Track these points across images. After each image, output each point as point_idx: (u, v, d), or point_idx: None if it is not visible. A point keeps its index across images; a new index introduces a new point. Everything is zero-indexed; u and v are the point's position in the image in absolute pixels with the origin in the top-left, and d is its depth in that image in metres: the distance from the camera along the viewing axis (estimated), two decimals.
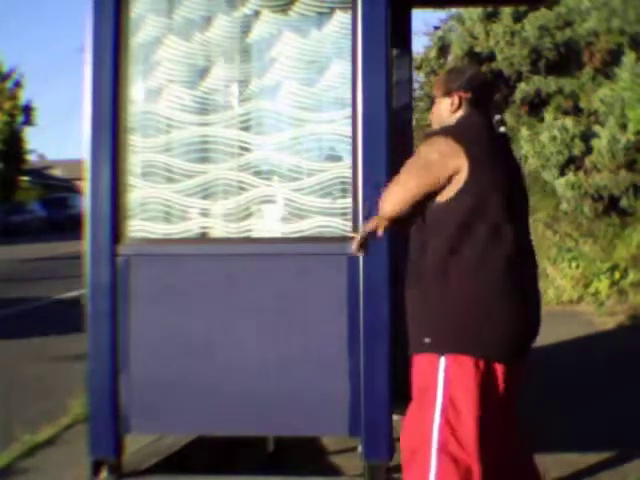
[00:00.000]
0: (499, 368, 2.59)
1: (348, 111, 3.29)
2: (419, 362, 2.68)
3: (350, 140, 3.27)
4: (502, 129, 3.23)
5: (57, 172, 51.02)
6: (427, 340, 2.61)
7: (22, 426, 4.68)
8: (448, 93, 2.79)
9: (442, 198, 2.61)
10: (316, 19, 3.41)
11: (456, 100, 2.77)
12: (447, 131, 2.68)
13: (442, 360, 2.58)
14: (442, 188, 2.61)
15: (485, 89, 2.87)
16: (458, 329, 2.57)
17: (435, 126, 2.84)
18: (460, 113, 2.77)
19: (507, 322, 2.58)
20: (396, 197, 2.68)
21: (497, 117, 3.05)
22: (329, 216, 3.32)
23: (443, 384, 2.57)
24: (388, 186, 2.75)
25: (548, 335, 4.53)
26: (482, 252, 2.56)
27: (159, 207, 3.43)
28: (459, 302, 2.56)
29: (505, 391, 2.61)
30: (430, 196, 2.63)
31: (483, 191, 2.58)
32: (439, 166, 2.60)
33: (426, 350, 2.62)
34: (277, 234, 3.39)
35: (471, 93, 2.78)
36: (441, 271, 2.58)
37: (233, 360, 3.30)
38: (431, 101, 2.92)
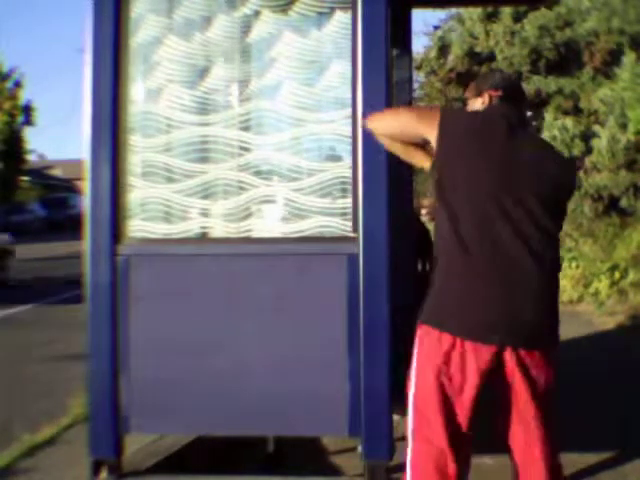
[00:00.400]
0: (469, 347, 2.56)
1: (348, 111, 3.29)
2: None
3: (350, 140, 3.27)
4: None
5: (57, 172, 51.01)
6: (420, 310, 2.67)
7: (22, 426, 4.68)
8: (479, 93, 2.85)
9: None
10: (316, 19, 3.41)
11: (487, 99, 2.82)
12: (449, 107, 2.80)
13: (420, 328, 2.64)
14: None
15: (515, 87, 2.92)
16: (431, 303, 2.63)
17: None
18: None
19: (469, 301, 2.57)
20: (382, 117, 2.82)
21: (529, 114, 3.09)
22: (329, 216, 3.32)
23: (416, 352, 2.64)
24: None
25: None
26: (443, 232, 2.61)
27: (159, 207, 3.43)
28: (434, 279, 2.64)
29: (480, 375, 2.58)
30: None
31: (448, 173, 2.60)
32: (421, 120, 2.67)
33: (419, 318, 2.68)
34: (277, 234, 3.39)
35: (502, 91, 2.82)
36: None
37: (233, 360, 3.30)
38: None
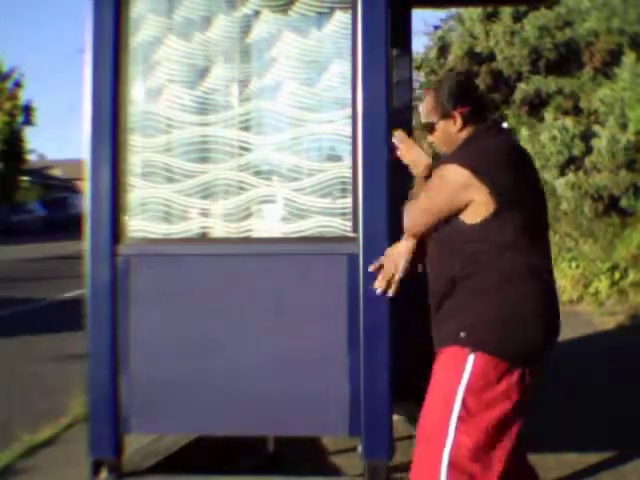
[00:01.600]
0: (518, 372, 2.59)
1: (348, 111, 3.29)
2: (446, 354, 2.68)
3: (350, 140, 3.27)
4: (504, 125, 3.24)
5: (57, 172, 51.03)
6: (462, 334, 2.62)
7: (22, 426, 4.68)
8: (447, 115, 2.76)
9: (472, 220, 2.64)
10: (316, 19, 3.41)
11: (459, 121, 2.75)
12: (464, 160, 2.66)
13: (471, 356, 2.59)
14: (460, 211, 2.66)
15: (476, 92, 2.88)
16: (490, 330, 2.61)
17: (446, 149, 2.82)
18: (466, 131, 2.75)
19: (533, 328, 2.61)
20: (416, 220, 2.77)
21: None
22: (329, 216, 3.32)
23: (467, 379, 2.58)
24: (408, 205, 2.81)
25: None
26: (509, 266, 2.63)
27: (159, 207, 3.43)
28: (495, 307, 2.63)
29: (523, 397, 2.61)
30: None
31: (508, 217, 2.62)
32: (459, 195, 2.63)
33: (458, 343, 2.63)
34: (277, 234, 3.39)
35: (469, 106, 2.75)
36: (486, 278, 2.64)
37: (233, 360, 3.30)
38: (427, 127, 2.83)
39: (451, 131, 2.76)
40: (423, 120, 2.85)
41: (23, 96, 34.94)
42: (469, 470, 2.54)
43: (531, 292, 2.63)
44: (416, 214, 2.78)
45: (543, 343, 2.64)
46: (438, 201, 2.69)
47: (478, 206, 2.61)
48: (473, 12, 14.31)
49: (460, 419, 2.55)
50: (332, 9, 3.37)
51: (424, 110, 2.83)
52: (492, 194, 2.59)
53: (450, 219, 2.67)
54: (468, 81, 3.06)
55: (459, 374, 2.59)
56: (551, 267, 2.77)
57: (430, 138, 2.86)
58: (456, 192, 2.62)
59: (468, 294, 2.65)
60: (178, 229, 3.42)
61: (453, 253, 2.68)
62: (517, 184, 2.65)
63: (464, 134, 2.75)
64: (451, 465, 2.54)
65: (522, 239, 2.64)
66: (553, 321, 2.67)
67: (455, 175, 2.63)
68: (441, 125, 2.78)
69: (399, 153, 2.96)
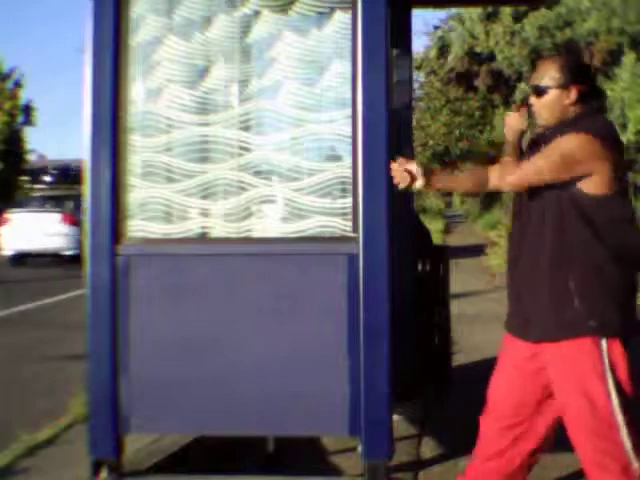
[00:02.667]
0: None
1: (348, 111, 3.29)
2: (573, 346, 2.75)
3: (350, 140, 3.27)
4: None
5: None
6: (592, 323, 2.70)
7: (22, 426, 4.68)
8: (565, 85, 2.80)
9: (594, 191, 2.72)
10: (316, 19, 3.41)
11: (574, 94, 2.81)
12: (592, 130, 2.74)
13: (604, 343, 2.71)
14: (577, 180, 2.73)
15: (594, 76, 2.97)
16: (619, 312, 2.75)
17: (549, 119, 2.86)
18: (579, 107, 2.82)
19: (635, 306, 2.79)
20: (526, 176, 2.79)
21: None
22: (329, 216, 3.32)
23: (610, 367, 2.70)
24: (520, 163, 2.85)
25: None
26: (623, 243, 2.75)
27: (159, 207, 3.43)
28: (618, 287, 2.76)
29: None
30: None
31: (622, 189, 2.77)
32: (581, 165, 2.70)
33: (590, 333, 2.71)
34: (277, 234, 3.39)
35: (587, 86, 2.83)
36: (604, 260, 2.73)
37: (233, 360, 3.30)
38: (538, 90, 2.85)
39: (563, 103, 2.81)
40: (536, 82, 2.87)
41: (23, 96, 34.91)
42: None
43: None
44: (529, 170, 2.79)
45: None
46: (559, 164, 2.73)
47: (600, 178, 2.70)
48: (473, 12, 14.33)
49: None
50: (332, 9, 3.37)
51: (541, 73, 2.86)
52: (616, 170, 2.70)
53: (566, 187, 2.73)
54: (589, 65, 3.18)
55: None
56: None
57: (533, 100, 2.88)
58: (582, 159, 2.69)
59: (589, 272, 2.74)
60: (178, 229, 3.42)
61: (564, 226, 2.75)
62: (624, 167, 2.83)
63: (572, 110, 2.82)
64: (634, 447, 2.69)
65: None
66: None
67: (584, 142, 2.70)
68: (554, 93, 2.82)
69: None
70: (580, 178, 2.72)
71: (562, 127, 2.80)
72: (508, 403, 2.87)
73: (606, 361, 2.69)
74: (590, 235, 2.71)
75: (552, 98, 2.82)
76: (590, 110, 2.83)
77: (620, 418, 2.68)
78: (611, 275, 2.72)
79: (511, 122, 2.94)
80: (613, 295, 2.73)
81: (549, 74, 2.83)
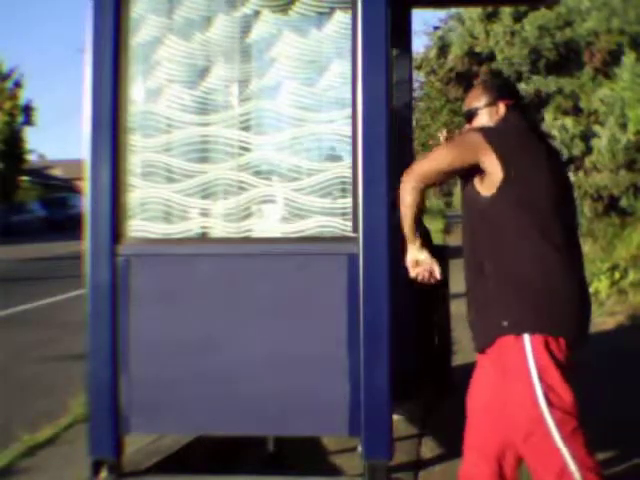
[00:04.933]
0: (564, 345, 2.75)
1: (348, 111, 3.29)
2: (497, 345, 2.76)
3: (350, 140, 3.27)
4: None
5: (57, 172, 51.02)
6: (505, 323, 2.71)
7: (22, 426, 4.68)
8: (492, 103, 2.91)
9: (486, 193, 2.75)
10: (316, 19, 3.41)
11: (502, 109, 2.90)
12: (481, 129, 2.83)
13: (526, 339, 2.68)
14: (468, 175, 2.79)
15: (517, 92, 3.07)
16: (535, 309, 2.71)
17: None
18: (500, 119, 2.90)
19: (570, 300, 2.76)
20: (426, 165, 2.84)
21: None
22: (329, 216, 3.32)
23: (534, 363, 2.68)
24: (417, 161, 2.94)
25: None
26: (536, 240, 2.72)
27: (159, 207, 3.43)
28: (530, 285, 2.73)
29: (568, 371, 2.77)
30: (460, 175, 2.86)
31: (525, 186, 2.72)
32: (468, 151, 2.75)
33: (505, 332, 2.71)
34: (277, 234, 3.39)
35: (514, 100, 2.93)
36: (507, 259, 2.74)
37: (233, 360, 3.29)
38: (468, 115, 2.98)
39: (489, 119, 2.90)
40: (466, 109, 3.01)
41: (23, 96, 34.93)
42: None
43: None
44: (424, 161, 2.87)
45: None
46: (447, 153, 2.83)
47: (488, 176, 2.73)
48: (473, 12, 14.32)
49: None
50: (332, 9, 3.37)
51: (469, 101, 2.99)
52: (500, 161, 2.70)
53: (470, 188, 2.80)
54: (512, 82, 3.34)
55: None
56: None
57: (468, 127, 2.98)
58: (465, 149, 2.76)
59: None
60: (178, 229, 3.42)
61: (474, 230, 2.83)
62: (527, 161, 2.74)
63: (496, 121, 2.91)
64: (565, 439, 2.67)
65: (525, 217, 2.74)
66: None
67: (468, 136, 2.82)
68: (483, 112, 2.92)
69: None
70: (474, 175, 2.77)
71: None
72: (481, 400, 2.91)
73: (530, 361, 2.67)
74: (500, 238, 2.75)
75: (483, 117, 2.92)
76: (507, 117, 2.89)
77: (551, 422, 2.65)
78: (532, 275, 2.71)
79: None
80: (532, 295, 2.70)
81: (475, 96, 2.96)
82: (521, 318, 2.69)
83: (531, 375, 2.66)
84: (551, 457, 2.65)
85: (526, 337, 2.67)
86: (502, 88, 2.98)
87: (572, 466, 2.62)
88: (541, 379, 2.66)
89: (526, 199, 2.71)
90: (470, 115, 2.97)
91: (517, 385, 2.69)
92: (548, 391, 2.66)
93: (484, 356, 2.87)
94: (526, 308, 2.69)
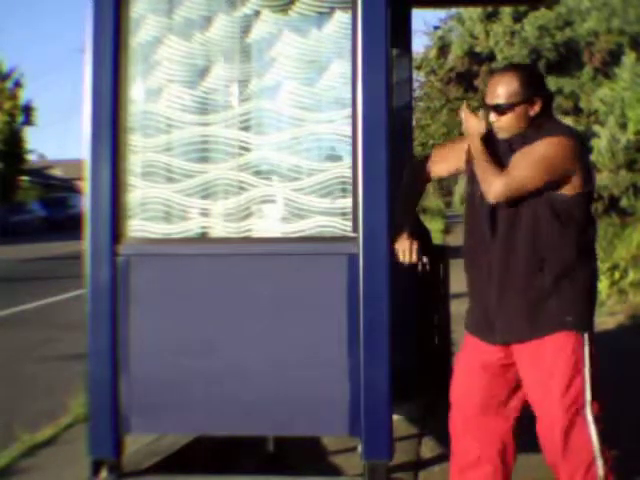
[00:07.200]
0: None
1: (348, 111, 3.29)
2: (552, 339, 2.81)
3: (350, 140, 3.27)
4: None
5: (57, 172, 51.04)
6: (569, 318, 2.77)
7: (22, 426, 4.68)
8: (529, 99, 2.80)
9: (567, 192, 2.77)
10: (316, 19, 3.41)
11: (538, 106, 2.82)
12: (567, 133, 2.82)
13: (586, 336, 2.80)
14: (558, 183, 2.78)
15: (546, 84, 3.03)
16: (591, 308, 2.88)
17: (513, 132, 2.84)
18: (541, 117, 2.85)
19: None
20: (514, 183, 2.76)
21: None
22: (329, 216, 3.32)
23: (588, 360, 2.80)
24: (504, 170, 2.80)
25: None
26: (591, 240, 2.89)
27: (159, 207, 3.43)
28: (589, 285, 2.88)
29: None
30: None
31: (590, 190, 2.87)
32: (562, 167, 2.75)
33: (568, 327, 2.78)
34: (277, 234, 3.39)
35: (549, 97, 2.90)
36: (578, 258, 2.81)
37: (233, 360, 3.30)
38: (501, 108, 2.81)
39: (528, 115, 2.82)
40: (498, 101, 2.83)
41: (23, 96, 34.95)
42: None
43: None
44: (512, 180, 2.76)
45: None
46: (542, 169, 2.74)
47: (576, 178, 2.77)
48: (473, 12, 14.33)
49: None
50: (332, 9, 3.37)
51: (501, 90, 2.81)
52: (584, 168, 2.79)
53: (540, 191, 2.78)
54: (541, 73, 3.28)
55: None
56: None
57: (495, 118, 2.85)
58: (565, 160, 2.74)
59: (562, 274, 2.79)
60: (178, 229, 3.42)
61: (539, 228, 2.80)
62: (588, 163, 2.97)
63: (537, 118, 2.85)
64: (598, 434, 2.81)
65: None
66: None
67: (564, 144, 2.75)
68: (520, 108, 2.81)
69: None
70: (557, 180, 2.75)
71: (530, 134, 2.82)
72: (475, 402, 3.00)
73: (586, 355, 2.77)
74: (566, 235, 2.78)
75: (518, 113, 2.81)
76: (555, 118, 2.94)
77: (590, 417, 2.78)
78: (583, 274, 2.82)
79: (473, 127, 2.88)
80: (585, 293, 2.83)
81: (511, 90, 2.79)
82: (582, 315, 2.80)
83: (584, 371, 2.77)
84: (584, 451, 2.77)
85: (586, 334, 2.79)
86: (539, 82, 2.87)
87: (599, 460, 2.79)
88: (591, 376, 2.78)
89: (592, 198, 2.91)
90: (503, 110, 2.82)
91: (564, 379, 2.77)
92: (592, 388, 2.78)
93: (501, 349, 2.88)
94: (586, 306, 2.82)
